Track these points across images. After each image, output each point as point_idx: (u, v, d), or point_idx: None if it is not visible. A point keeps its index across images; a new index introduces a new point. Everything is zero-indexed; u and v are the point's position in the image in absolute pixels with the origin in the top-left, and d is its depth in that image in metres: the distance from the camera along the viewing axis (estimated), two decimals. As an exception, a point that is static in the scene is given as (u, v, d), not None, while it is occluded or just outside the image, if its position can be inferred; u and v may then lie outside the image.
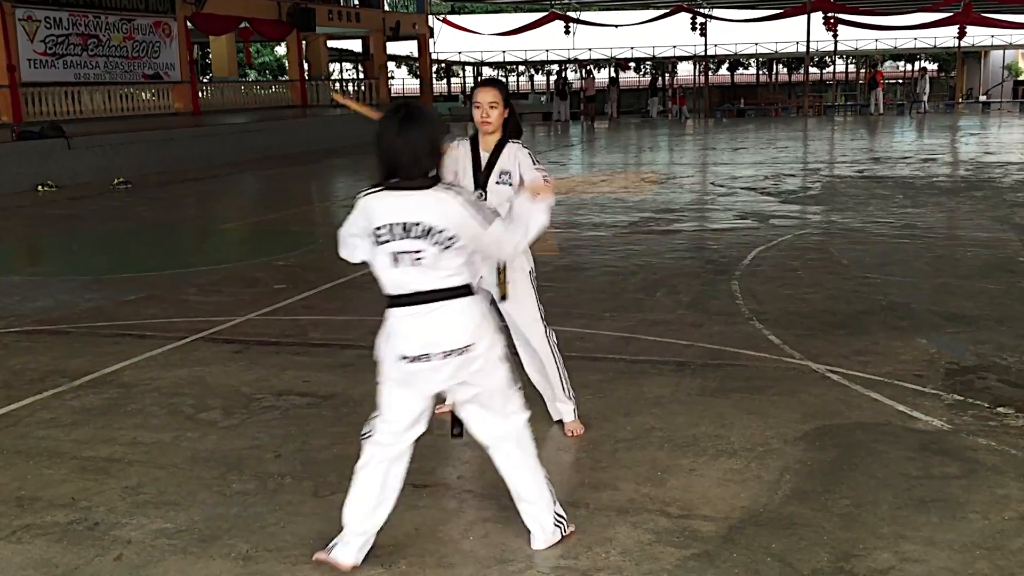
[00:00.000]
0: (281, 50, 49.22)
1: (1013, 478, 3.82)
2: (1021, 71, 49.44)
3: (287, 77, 35.89)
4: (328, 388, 5.19)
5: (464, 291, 3.13)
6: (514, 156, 4.16)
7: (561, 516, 3.42)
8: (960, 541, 3.34)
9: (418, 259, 3.04)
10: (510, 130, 4.23)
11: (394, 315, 3.12)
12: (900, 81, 49.26)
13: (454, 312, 3.10)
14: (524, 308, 4.33)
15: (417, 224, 3.03)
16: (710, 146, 23.24)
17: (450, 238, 3.04)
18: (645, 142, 25.84)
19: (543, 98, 44.85)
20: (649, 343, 5.94)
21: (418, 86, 40.49)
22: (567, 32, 40.57)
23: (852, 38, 43.62)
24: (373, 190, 3.15)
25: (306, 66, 32.60)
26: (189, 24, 25.66)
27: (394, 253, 3.06)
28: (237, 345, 6.11)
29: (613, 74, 45.33)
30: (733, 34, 44.56)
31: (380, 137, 3.06)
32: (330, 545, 3.32)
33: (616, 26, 42.16)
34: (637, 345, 5.89)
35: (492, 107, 4.14)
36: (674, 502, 3.71)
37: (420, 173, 3.06)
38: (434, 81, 42.90)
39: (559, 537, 3.39)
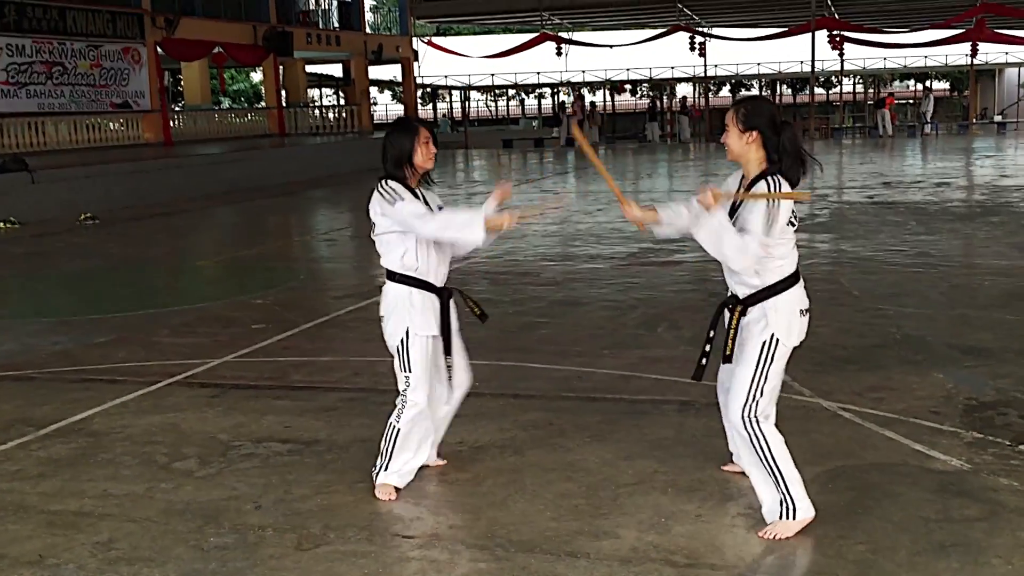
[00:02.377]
0: (257, 76, 49.53)
1: (1037, 520, 3.84)
2: (1038, 89, 49.91)
3: (264, 105, 36.07)
4: (310, 434, 5.20)
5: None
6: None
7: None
8: (982, 588, 3.36)
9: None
10: (779, 163, 3.75)
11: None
12: (911, 101, 49.70)
13: None
14: (738, 374, 3.86)
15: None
16: (711, 171, 23.38)
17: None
18: (643, 168, 25.99)
19: (535, 123, 45.20)
20: (650, 382, 5.97)
21: (402, 112, 40.74)
22: (559, 54, 40.89)
23: (859, 57, 44.09)
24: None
25: (284, 93, 32.78)
26: (159, 50, 25.86)
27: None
28: (213, 389, 6.11)
29: (592, 99, 45.71)
30: (734, 54, 45.00)
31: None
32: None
33: (611, 46, 42.57)
34: (638, 384, 5.92)
35: (725, 130, 3.86)
36: (679, 550, 3.72)
37: None
38: (419, 106, 43.14)
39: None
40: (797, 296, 3.83)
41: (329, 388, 6.08)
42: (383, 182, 4.29)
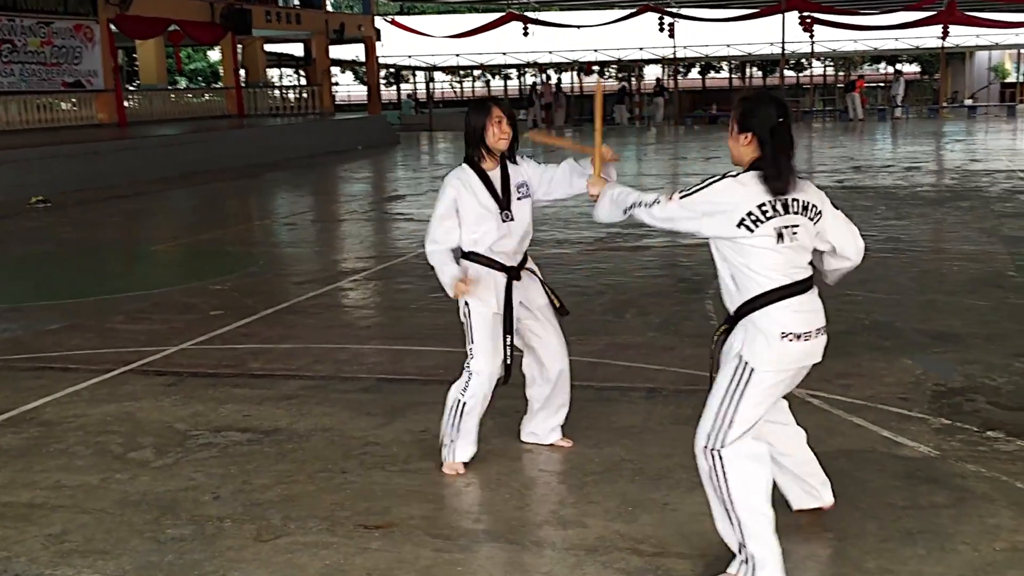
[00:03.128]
0: (215, 55, 49.04)
1: (1004, 506, 3.90)
2: (1008, 73, 50.48)
3: (221, 84, 35.78)
4: (270, 422, 5.18)
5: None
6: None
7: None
8: (949, 575, 3.41)
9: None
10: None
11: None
12: (882, 84, 50.08)
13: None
14: (708, 399, 3.52)
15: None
16: (680, 155, 23.48)
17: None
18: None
19: (501, 105, 44.97)
20: (618, 369, 5.99)
21: (365, 93, 40.49)
22: (526, 34, 40.84)
23: (830, 39, 44.31)
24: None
25: (242, 72, 32.48)
26: (113, 27, 25.51)
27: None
28: (170, 377, 6.08)
29: (558, 80, 45.76)
30: (704, 35, 45.11)
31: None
32: None
33: (578, 27, 42.51)
34: (605, 371, 5.94)
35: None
36: (647, 539, 3.75)
37: None
38: (382, 87, 42.94)
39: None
40: (779, 316, 3.34)
41: (289, 376, 6.06)
42: (462, 167, 4.44)
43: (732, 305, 3.46)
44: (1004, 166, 17.57)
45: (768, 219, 3.33)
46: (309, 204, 16.72)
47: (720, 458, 3.34)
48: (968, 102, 43.09)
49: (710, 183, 3.42)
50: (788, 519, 3.85)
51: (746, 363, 3.36)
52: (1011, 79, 48.79)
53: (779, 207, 3.36)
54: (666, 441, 4.72)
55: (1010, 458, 4.38)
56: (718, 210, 3.37)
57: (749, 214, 3.32)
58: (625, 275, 8.89)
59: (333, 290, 8.76)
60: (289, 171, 21.78)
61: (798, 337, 3.37)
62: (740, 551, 3.36)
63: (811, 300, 3.45)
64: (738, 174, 3.41)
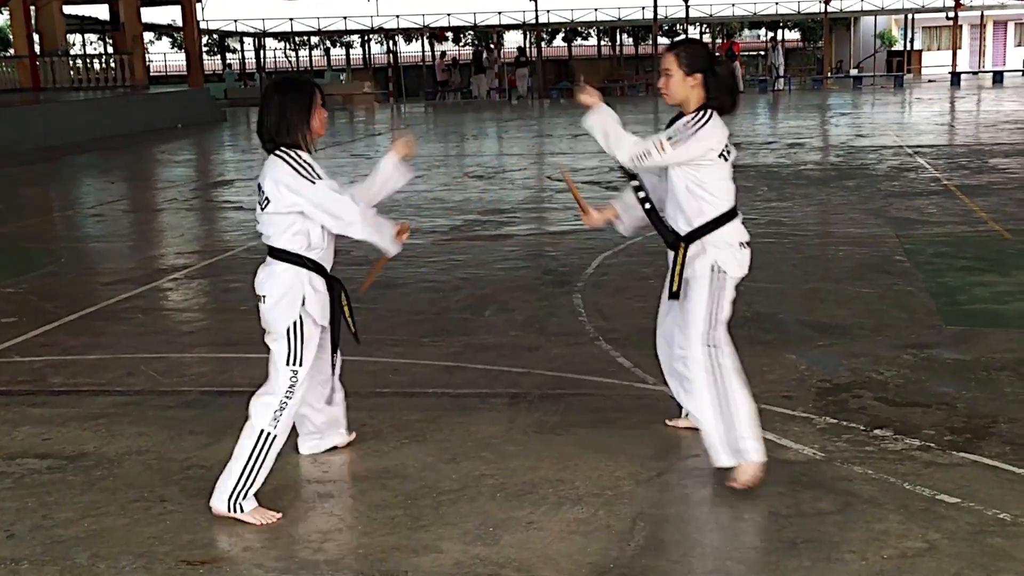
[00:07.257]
0: (2, 18, 47.28)
1: (892, 510, 4.08)
2: (895, 40, 52.63)
3: (12, 53, 34.54)
4: (75, 446, 5.05)
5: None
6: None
7: None
8: (836, 586, 3.55)
9: None
10: (711, 101, 4.39)
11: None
12: (762, 53, 51.58)
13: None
14: (688, 312, 4.46)
15: None
16: (546, 132, 23.72)
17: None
18: (469, 128, 26.14)
19: (342, 76, 44.75)
20: (477, 372, 6.03)
21: (184, 63, 39.63)
22: (369, -5, 40.67)
23: (706, 3, 45.50)
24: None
25: (36, 39, 31.44)
26: None
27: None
28: (-47, 398, 5.86)
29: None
30: (569, -2, 45.74)
31: None
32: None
33: (429, -12, 42.52)
34: (463, 375, 5.97)
35: (663, 76, 4.45)
36: (510, 562, 3.78)
37: None
38: (204, 56, 42.09)
39: None
40: (735, 230, 4.40)
41: (97, 391, 5.91)
42: (291, 151, 4.20)
43: (688, 228, 4.39)
44: (892, 142, 18.35)
45: (728, 145, 4.54)
46: (120, 192, 16.29)
47: (718, 356, 4.37)
48: (853, 72, 44.80)
49: (698, 127, 4.39)
50: (669, 534, 3.94)
51: (721, 269, 4.38)
52: (898, 47, 50.87)
53: None
54: (531, 453, 4.77)
55: (898, 458, 4.58)
56: (702, 148, 4.39)
57: (726, 145, 4.44)
58: (484, 268, 8.94)
59: (150, 291, 8.56)
60: (96, 154, 21.20)
61: (746, 244, 4.46)
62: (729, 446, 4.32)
63: None
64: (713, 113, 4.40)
